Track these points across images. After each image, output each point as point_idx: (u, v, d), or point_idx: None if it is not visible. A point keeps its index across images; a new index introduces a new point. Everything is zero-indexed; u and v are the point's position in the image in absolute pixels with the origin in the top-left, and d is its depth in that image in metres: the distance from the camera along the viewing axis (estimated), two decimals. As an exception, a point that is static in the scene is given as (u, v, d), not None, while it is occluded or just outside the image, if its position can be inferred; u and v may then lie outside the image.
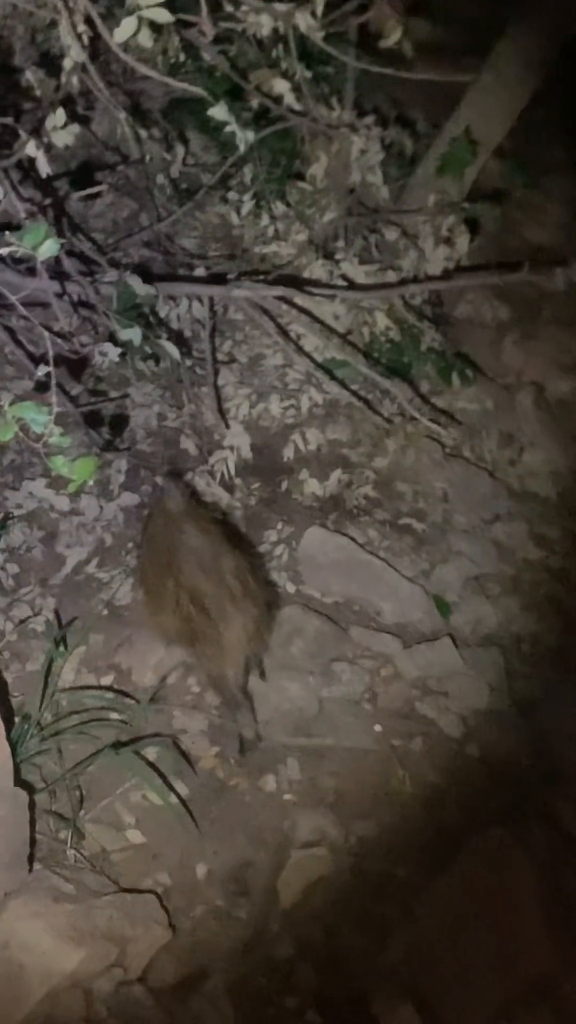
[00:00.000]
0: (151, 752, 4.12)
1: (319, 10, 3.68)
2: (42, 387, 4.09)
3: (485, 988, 3.46)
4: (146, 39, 3.20)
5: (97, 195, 5.60)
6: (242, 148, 3.92)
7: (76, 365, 4.89)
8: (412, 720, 4.47)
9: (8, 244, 2.69)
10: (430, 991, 3.51)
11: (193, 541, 4.28)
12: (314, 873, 3.88)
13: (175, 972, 3.58)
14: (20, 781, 3.67)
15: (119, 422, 5.14)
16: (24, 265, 4.22)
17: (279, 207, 5.84)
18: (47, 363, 2.78)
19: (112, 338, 4.13)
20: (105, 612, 4.62)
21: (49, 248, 2.60)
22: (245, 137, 3.87)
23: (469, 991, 3.47)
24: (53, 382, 2.65)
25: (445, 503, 5.23)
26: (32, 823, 3.65)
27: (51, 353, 2.70)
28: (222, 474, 5.02)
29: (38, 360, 4.57)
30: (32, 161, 3.81)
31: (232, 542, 4.43)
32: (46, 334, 2.78)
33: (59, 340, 4.17)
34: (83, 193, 4.57)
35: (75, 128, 4.13)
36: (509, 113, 5.75)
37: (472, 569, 4.99)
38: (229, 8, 4.19)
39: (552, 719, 4.46)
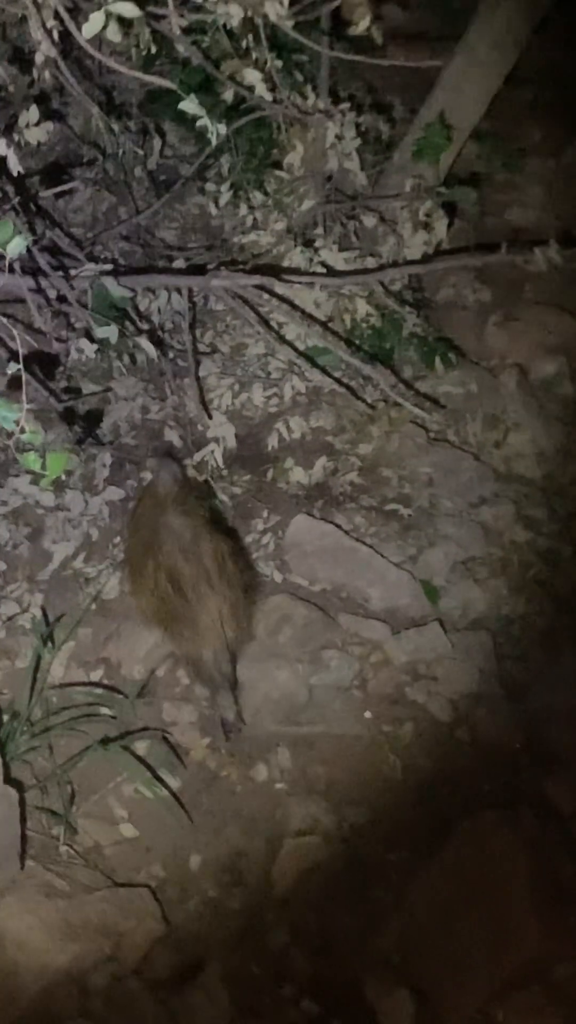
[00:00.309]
0: (141, 746, 4.14)
1: (287, -1, 3.67)
2: (16, 384, 4.11)
3: (478, 972, 3.46)
4: (114, 34, 3.17)
5: (75, 190, 5.59)
6: (214, 141, 3.90)
7: (55, 361, 4.89)
8: (402, 705, 4.45)
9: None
10: (424, 976, 3.52)
11: (175, 522, 4.31)
12: (307, 861, 3.88)
13: (170, 964, 3.59)
14: (10, 779, 3.70)
15: (101, 416, 5.14)
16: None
17: (257, 196, 5.83)
18: (25, 357, 2.78)
19: (89, 333, 4.13)
20: (93, 607, 4.62)
21: (17, 245, 2.61)
22: (217, 130, 3.85)
23: (463, 975, 3.47)
24: (24, 379, 2.65)
25: (431, 487, 5.22)
26: (23, 820, 3.66)
27: (21, 350, 2.70)
28: (211, 466, 5.02)
29: (14, 356, 4.58)
30: (4, 160, 3.81)
31: (215, 526, 4.47)
32: (16, 331, 2.77)
33: (35, 337, 4.17)
34: (55, 190, 4.56)
35: (48, 125, 4.14)
36: (483, 96, 5.74)
37: (459, 553, 4.98)
38: (199, -1, 4.19)
39: (543, 701, 4.45)
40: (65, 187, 4.59)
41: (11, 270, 3.06)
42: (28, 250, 2.77)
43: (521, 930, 3.49)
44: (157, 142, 6.01)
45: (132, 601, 4.58)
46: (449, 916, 3.59)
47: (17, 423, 2.52)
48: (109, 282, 4.17)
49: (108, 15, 3.08)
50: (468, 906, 3.58)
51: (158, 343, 4.33)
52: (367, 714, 4.44)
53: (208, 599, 4.24)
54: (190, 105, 3.80)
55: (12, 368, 2.68)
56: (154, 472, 4.62)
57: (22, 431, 2.55)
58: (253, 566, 4.84)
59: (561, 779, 4.13)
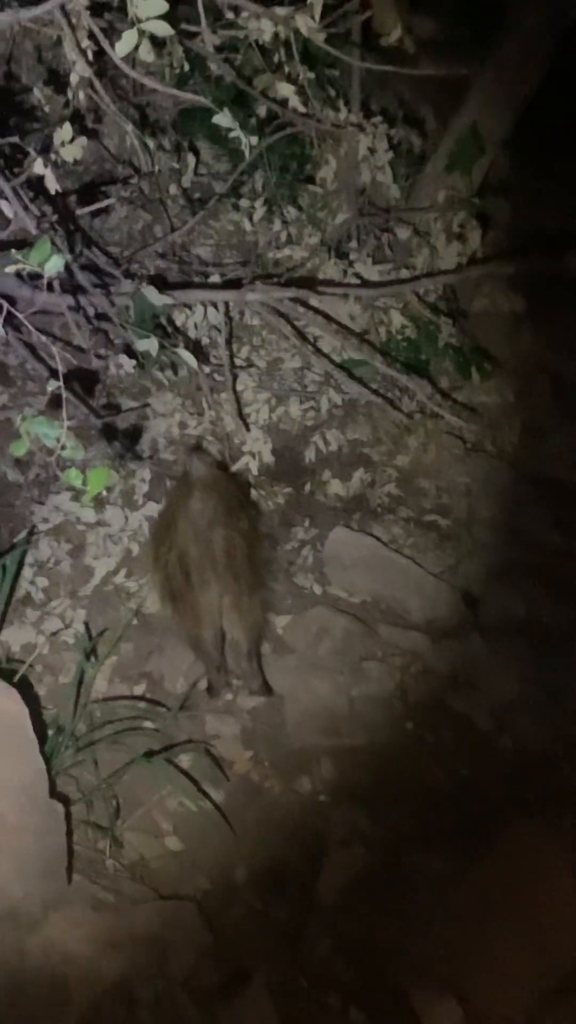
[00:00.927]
0: (185, 759, 4.15)
1: (318, 12, 3.70)
2: (57, 402, 4.15)
3: (524, 979, 3.46)
4: (148, 53, 3.22)
5: (111, 209, 5.63)
6: (248, 153, 3.94)
7: (94, 377, 4.93)
8: (443, 715, 4.47)
9: (10, 263, 2.73)
10: (469, 983, 3.51)
11: (195, 506, 4.34)
12: (351, 870, 3.88)
13: (216, 975, 3.59)
14: (56, 793, 3.71)
15: (139, 431, 5.17)
16: (40, 280, 4.28)
17: (291, 211, 5.87)
18: (65, 374, 2.81)
19: (128, 349, 4.17)
20: (135, 621, 4.65)
21: (55, 264, 2.64)
22: (249, 142, 3.89)
23: (508, 982, 3.47)
24: (63, 396, 2.68)
25: (468, 497, 5.24)
26: (69, 834, 3.67)
27: (60, 367, 2.73)
28: (248, 478, 5.07)
29: (55, 374, 4.62)
30: (42, 179, 3.85)
31: (233, 517, 4.45)
32: (55, 349, 2.81)
33: (75, 354, 4.21)
34: (94, 207, 4.61)
35: (83, 142, 4.16)
36: (515, 105, 5.76)
37: (498, 561, 5.00)
38: (230, 16, 4.23)
39: (584, 707, 4.46)
40: (102, 204, 4.63)
41: (50, 288, 3.11)
42: (67, 268, 2.80)
43: (565, 936, 3.48)
44: (191, 159, 6.05)
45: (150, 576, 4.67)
46: (493, 923, 3.59)
47: (58, 440, 2.55)
48: (150, 291, 4.20)
49: (141, 34, 3.11)
50: (512, 913, 3.58)
51: (195, 358, 4.35)
52: (408, 724, 4.45)
53: (210, 586, 4.30)
54: (223, 119, 3.84)
55: (52, 385, 2.71)
56: (188, 463, 4.66)
57: (63, 448, 2.58)
58: (266, 562, 4.84)
59: (605, 785, 4.13)
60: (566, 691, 4.53)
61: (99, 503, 4.90)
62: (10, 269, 2.65)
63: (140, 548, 4.86)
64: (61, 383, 2.66)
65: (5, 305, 2.77)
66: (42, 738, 3.70)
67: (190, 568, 4.29)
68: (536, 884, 3.62)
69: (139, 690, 4.48)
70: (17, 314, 2.85)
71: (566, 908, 3.54)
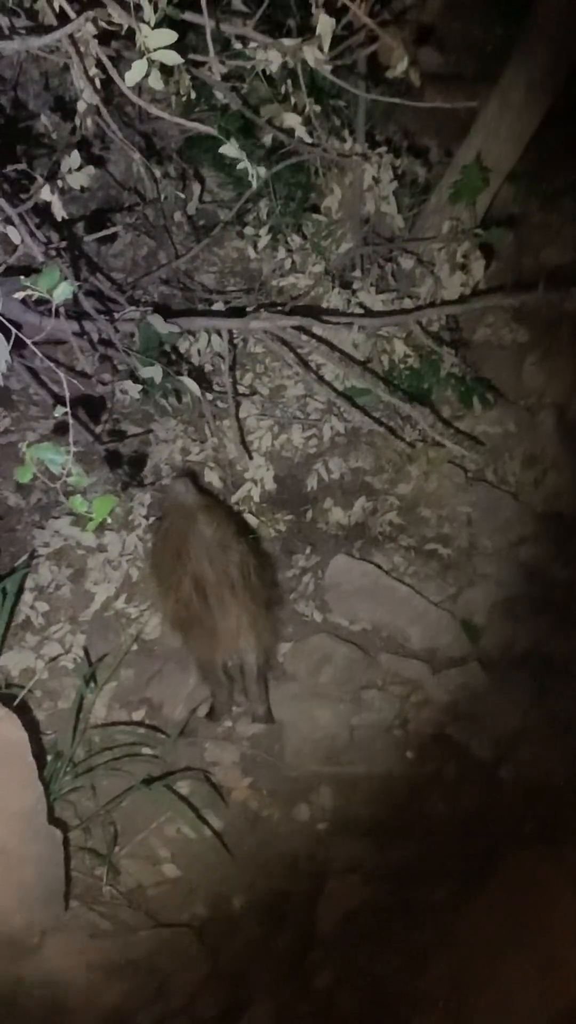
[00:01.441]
0: (184, 786, 4.15)
1: (326, 44, 3.71)
2: (62, 428, 4.15)
3: (526, 1012, 3.42)
4: (156, 81, 3.23)
5: (115, 235, 5.66)
6: (255, 183, 3.96)
7: (98, 403, 4.94)
8: (444, 745, 4.45)
9: (19, 290, 2.73)
10: (472, 1015, 3.47)
11: (205, 530, 4.40)
12: (351, 900, 3.85)
13: (216, 1004, 3.56)
14: (54, 819, 3.70)
15: (143, 457, 5.18)
16: (45, 306, 4.29)
17: (295, 240, 5.90)
18: (72, 400, 2.81)
19: (132, 376, 4.18)
20: (135, 647, 4.64)
21: (63, 291, 2.65)
22: (257, 172, 3.91)
23: (511, 1014, 3.43)
24: (71, 423, 2.68)
25: (470, 527, 5.24)
26: (67, 860, 3.67)
27: (67, 394, 2.73)
28: (250, 505, 5.08)
29: (61, 400, 4.63)
30: (49, 205, 3.87)
31: (243, 539, 4.52)
32: (62, 375, 2.82)
33: (80, 379, 4.22)
34: (101, 234, 4.63)
35: (90, 170, 4.19)
36: (519, 138, 5.78)
37: (499, 592, 4.99)
38: (238, 46, 4.25)
39: (585, 739, 4.45)
40: (108, 231, 4.66)
41: (56, 314, 3.11)
42: (73, 295, 2.81)
43: (568, 967, 3.45)
44: (196, 187, 6.08)
45: (159, 606, 4.69)
46: (495, 955, 3.56)
47: (64, 467, 2.55)
48: (156, 320, 4.22)
49: (150, 63, 3.12)
50: (515, 944, 3.54)
51: (199, 385, 4.37)
52: (408, 754, 4.44)
53: (229, 607, 4.31)
54: (230, 149, 3.86)
55: (59, 412, 2.71)
56: (173, 490, 4.67)
57: (69, 474, 2.58)
58: (277, 583, 4.90)
59: (607, 817, 4.11)
60: (568, 723, 4.50)
61: (99, 528, 4.90)
62: (18, 295, 2.65)
63: (140, 574, 4.85)
64: (68, 409, 2.66)
65: (13, 331, 2.77)
66: (41, 764, 3.69)
67: (207, 592, 4.30)
68: (538, 915, 3.58)
69: (138, 716, 4.48)
70: (26, 340, 2.85)
71: (569, 939, 3.50)
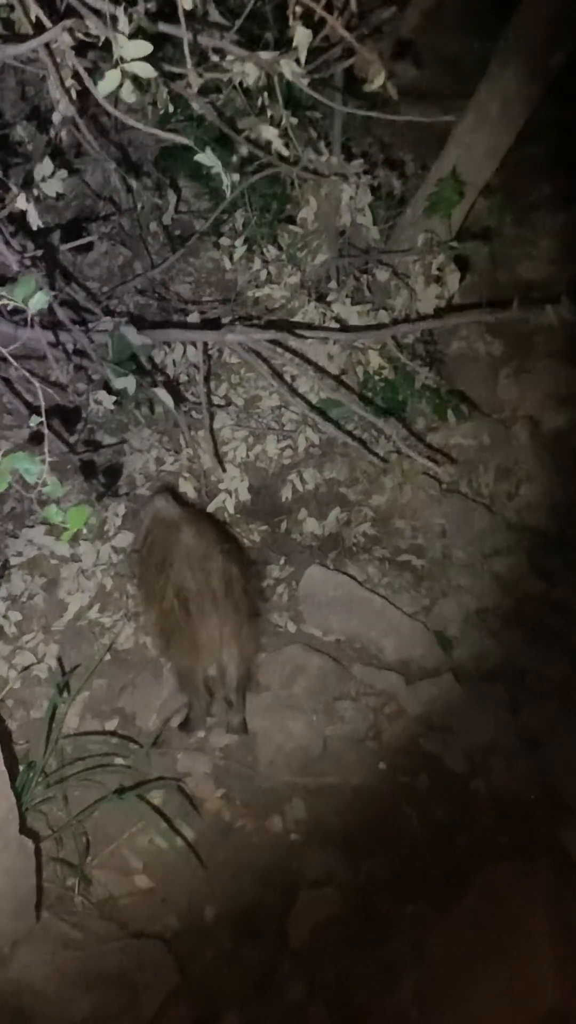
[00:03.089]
0: (156, 796, 4.13)
1: (303, 57, 3.72)
2: (37, 437, 4.14)
3: (498, 1024, 3.44)
4: (128, 94, 3.22)
5: (91, 245, 5.65)
6: (229, 192, 3.97)
7: (73, 413, 4.94)
8: (417, 757, 4.45)
9: (0, 297, 2.73)
10: (443, 1029, 3.49)
11: (188, 540, 4.43)
12: (323, 913, 3.85)
13: (186, 1016, 3.56)
14: (26, 829, 3.68)
15: (118, 467, 5.17)
16: (20, 316, 4.28)
17: (271, 251, 5.92)
18: (47, 410, 2.81)
19: (107, 385, 4.17)
20: (107, 657, 4.63)
21: (39, 300, 2.64)
22: (231, 180, 3.91)
23: (481, 1029, 3.45)
24: (46, 432, 2.68)
25: (444, 538, 5.26)
26: (39, 871, 3.65)
27: (43, 404, 2.73)
28: (224, 516, 5.08)
29: (35, 409, 4.62)
30: (24, 214, 3.86)
31: (227, 549, 4.53)
32: (38, 385, 2.81)
33: (54, 389, 4.21)
34: (76, 243, 4.62)
35: (63, 175, 4.19)
36: (495, 152, 5.82)
37: (473, 603, 5.00)
38: (215, 58, 4.25)
39: (558, 752, 4.45)
40: (84, 241, 4.66)
41: (30, 324, 3.11)
42: (48, 304, 2.80)
43: (540, 982, 3.45)
44: (172, 197, 6.09)
45: (142, 616, 4.70)
46: (467, 969, 3.56)
47: (39, 476, 2.54)
48: (129, 331, 4.22)
49: (124, 74, 3.12)
50: (486, 959, 3.55)
51: (174, 395, 4.37)
52: (382, 765, 4.43)
53: (210, 617, 4.31)
54: (206, 158, 3.86)
55: (34, 422, 2.71)
56: (154, 503, 4.68)
57: (44, 484, 2.58)
58: (261, 594, 4.89)
59: (578, 830, 4.12)
60: (541, 736, 4.52)
61: (73, 537, 4.88)
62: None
63: (114, 584, 4.84)
64: (44, 419, 2.65)
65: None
66: (13, 773, 3.68)
67: (188, 600, 4.30)
68: (510, 930, 3.59)
69: (111, 726, 4.46)
70: (2, 350, 2.84)
71: (540, 954, 3.50)
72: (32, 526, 4.92)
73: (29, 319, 2.87)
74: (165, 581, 4.38)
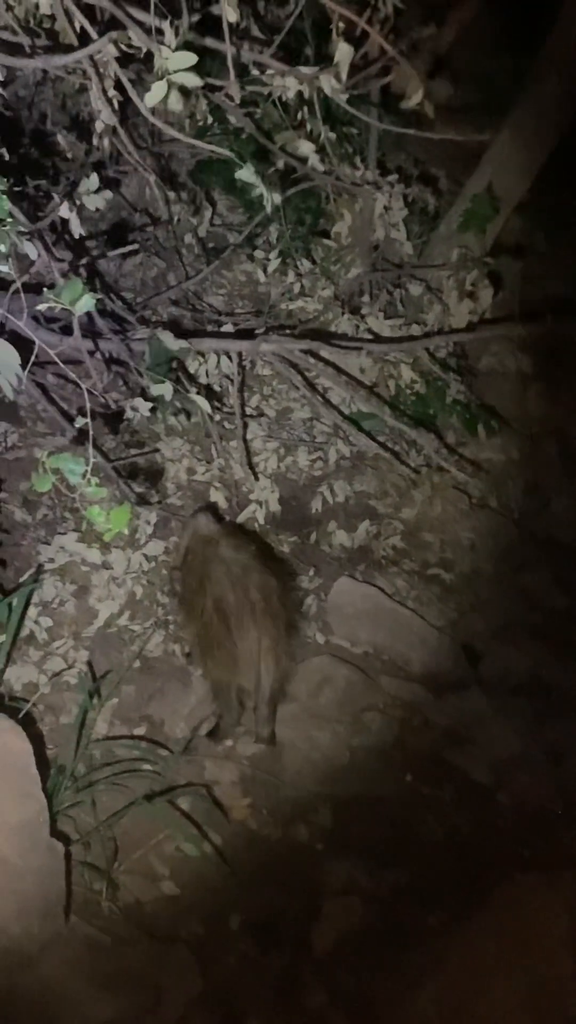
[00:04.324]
0: (184, 803, 4.15)
1: (343, 73, 3.76)
2: (77, 441, 4.18)
3: (519, 1035, 3.44)
4: (175, 103, 3.27)
5: (127, 255, 5.70)
6: (269, 208, 4.02)
7: (108, 420, 4.97)
8: (442, 769, 4.47)
9: (44, 302, 2.77)
10: (463, 1040, 3.49)
11: (226, 554, 4.46)
12: (347, 922, 3.86)
13: (210, 1021, 3.57)
14: (56, 832, 3.71)
15: (150, 476, 5.20)
16: (57, 324, 4.33)
17: (305, 264, 5.96)
18: (84, 415, 2.85)
19: (143, 393, 4.21)
20: (137, 664, 4.65)
21: (86, 303, 2.69)
22: (272, 198, 3.96)
23: (503, 1039, 3.45)
24: (90, 433, 2.72)
25: (472, 552, 5.28)
26: (68, 874, 3.67)
27: (88, 405, 2.77)
28: (254, 526, 5.11)
29: (70, 417, 4.66)
30: (64, 222, 3.91)
31: (265, 563, 4.55)
32: (84, 388, 2.85)
33: (91, 397, 4.25)
34: (118, 252, 4.67)
35: (107, 194, 4.24)
36: (529, 169, 5.86)
37: (500, 617, 5.02)
38: (255, 72, 4.30)
39: (583, 766, 4.47)
40: (128, 249, 4.70)
41: (70, 331, 3.15)
42: (86, 312, 2.84)
43: (562, 992, 3.46)
44: (207, 210, 6.13)
45: (182, 632, 4.72)
46: (489, 979, 3.57)
47: (84, 475, 2.58)
48: (167, 336, 4.26)
49: (170, 85, 3.17)
50: (508, 969, 3.56)
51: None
52: (407, 776, 4.45)
53: (249, 630, 4.33)
54: (246, 174, 3.92)
55: (80, 422, 2.75)
56: (195, 520, 4.71)
57: (88, 484, 2.61)
58: (299, 605, 4.92)
59: (602, 843, 4.13)
60: (566, 750, 4.53)
61: (104, 545, 4.91)
62: (42, 307, 2.69)
63: (144, 592, 4.87)
64: (89, 420, 2.70)
65: (38, 344, 2.80)
66: (43, 777, 3.70)
67: (228, 614, 4.33)
68: (533, 940, 3.60)
69: (139, 732, 4.48)
70: (51, 352, 2.88)
71: (561, 965, 3.52)
72: (64, 533, 4.95)
73: (76, 324, 2.91)
74: (204, 596, 4.40)
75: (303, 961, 3.79)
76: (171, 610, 4.81)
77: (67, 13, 3.71)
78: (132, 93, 3.62)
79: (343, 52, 3.63)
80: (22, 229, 3.12)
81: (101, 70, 3.92)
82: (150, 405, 4.17)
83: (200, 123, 4.34)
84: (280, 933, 3.89)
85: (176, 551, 4.84)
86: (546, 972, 3.55)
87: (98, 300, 4.86)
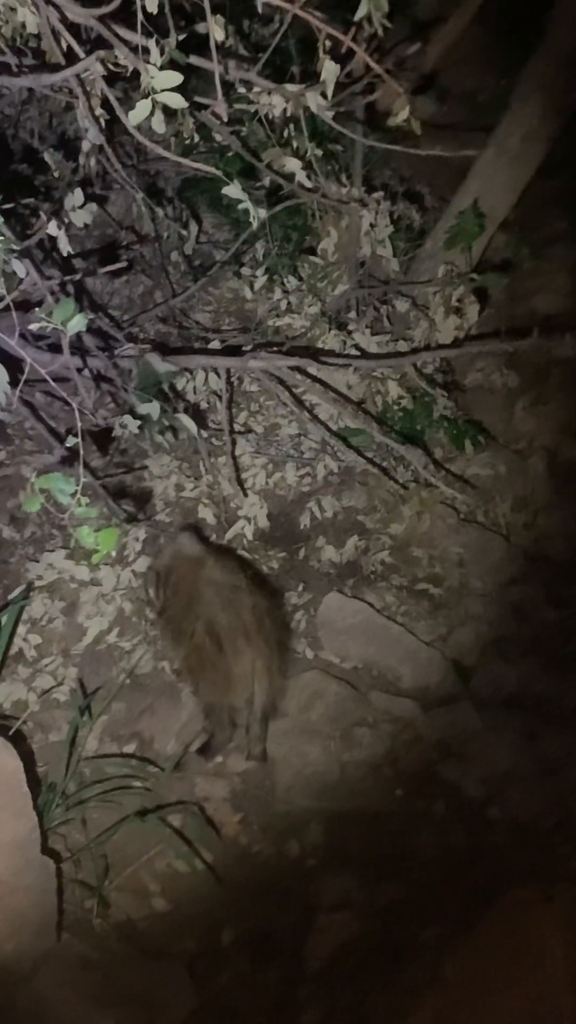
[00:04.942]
0: (175, 819, 4.15)
1: (330, 91, 3.78)
2: (66, 460, 4.18)
3: (515, 1051, 3.43)
4: (159, 123, 3.29)
5: (114, 273, 5.71)
6: (255, 225, 4.02)
7: (96, 438, 4.98)
8: (434, 783, 4.46)
9: (34, 321, 2.77)
10: (458, 1055, 3.48)
11: (215, 575, 4.48)
12: (340, 937, 3.85)
13: (204, 1038, 3.58)
14: (47, 849, 3.70)
15: (138, 493, 5.21)
16: (44, 342, 4.34)
17: (291, 281, 5.98)
18: (75, 435, 2.85)
19: (131, 411, 4.22)
20: (127, 681, 4.65)
21: (78, 323, 2.69)
22: (258, 214, 3.97)
23: (499, 1054, 3.44)
24: (81, 453, 2.72)
25: (461, 567, 5.28)
26: (60, 891, 3.67)
27: (79, 424, 2.77)
28: (243, 542, 5.12)
29: (58, 435, 4.66)
30: (53, 240, 3.92)
31: (254, 582, 4.58)
32: (75, 406, 2.85)
33: (79, 414, 4.25)
34: (107, 269, 4.68)
35: (93, 208, 4.25)
36: (514, 186, 5.89)
37: (490, 632, 5.03)
38: (241, 90, 4.32)
39: (575, 779, 4.46)
40: (115, 267, 4.71)
41: (59, 349, 3.15)
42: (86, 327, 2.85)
43: (558, 1005, 3.45)
44: (194, 227, 6.15)
45: (169, 655, 4.72)
46: (484, 994, 3.55)
47: (73, 495, 2.58)
48: (154, 358, 4.27)
49: (155, 104, 3.18)
50: (503, 983, 3.54)
51: (195, 422, 4.41)
52: (399, 791, 4.44)
53: (243, 652, 4.36)
54: (233, 190, 3.92)
55: (70, 441, 2.75)
56: (177, 542, 4.70)
57: (78, 504, 2.61)
58: (288, 624, 4.93)
59: (595, 858, 4.12)
60: (558, 764, 4.52)
61: (92, 562, 4.91)
62: (34, 326, 2.69)
63: (133, 608, 4.87)
64: (80, 439, 2.70)
65: (29, 362, 2.81)
66: (34, 794, 3.70)
67: (220, 636, 4.34)
68: (529, 955, 3.59)
69: (129, 749, 4.49)
70: (42, 371, 2.89)
71: (558, 979, 3.51)
72: (52, 550, 4.95)
73: (66, 343, 2.92)
74: (194, 618, 4.41)
75: (296, 977, 3.77)
76: (156, 630, 4.80)
77: (54, 32, 3.73)
78: (119, 111, 3.63)
79: (329, 70, 3.64)
80: (12, 247, 3.12)
81: (88, 89, 3.94)
82: (138, 423, 4.17)
83: (187, 141, 4.35)
84: (273, 949, 3.87)
85: (154, 571, 4.82)
86: (542, 986, 3.54)
87: (89, 318, 4.91)
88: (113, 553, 4.78)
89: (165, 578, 4.71)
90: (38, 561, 4.93)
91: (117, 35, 3.46)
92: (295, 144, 4.68)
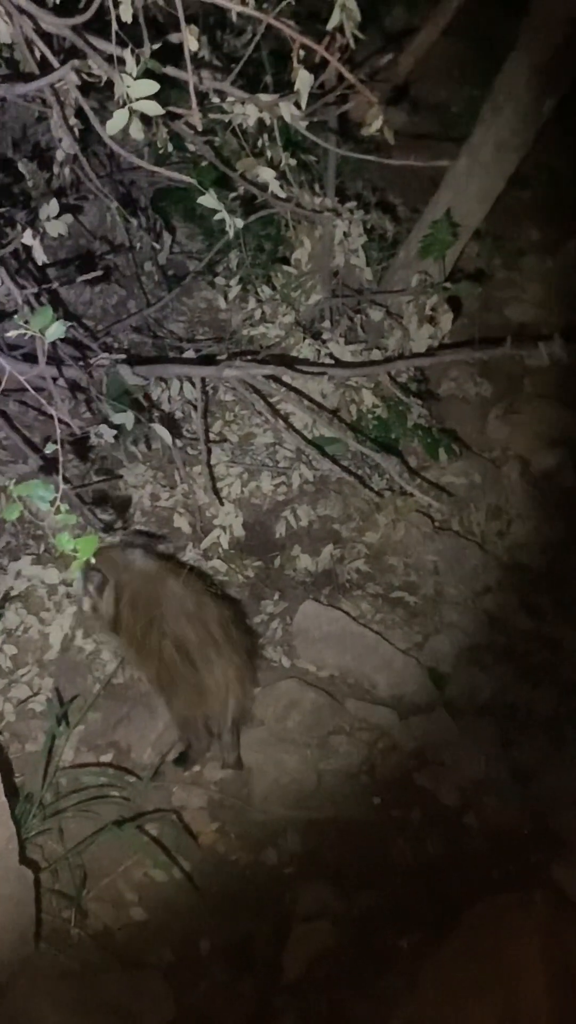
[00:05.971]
0: (152, 828, 4.14)
1: (304, 101, 3.79)
2: (43, 469, 4.18)
3: (492, 1057, 3.43)
4: (137, 131, 3.29)
5: (88, 282, 5.71)
6: (231, 234, 4.03)
7: (73, 447, 4.98)
8: (410, 791, 4.47)
9: (11, 329, 2.77)
10: (436, 1062, 3.49)
11: (177, 590, 4.45)
12: (317, 946, 3.85)
13: (182, 1048, 3.56)
14: (25, 859, 3.69)
15: (116, 502, 5.21)
16: (19, 352, 4.34)
17: (265, 291, 5.99)
18: (54, 442, 2.85)
19: (106, 421, 4.22)
20: (102, 690, 4.64)
21: (56, 330, 2.69)
22: (234, 223, 3.98)
23: (476, 1061, 3.44)
24: (60, 460, 2.72)
25: (436, 575, 5.30)
26: (38, 901, 3.66)
27: (59, 432, 2.77)
28: (218, 552, 5.12)
29: (32, 444, 4.66)
30: (27, 249, 3.92)
31: (213, 594, 4.60)
32: (55, 414, 2.86)
33: (51, 424, 4.26)
34: (83, 279, 4.68)
35: (68, 218, 4.25)
36: (487, 195, 5.92)
37: (465, 640, 5.04)
38: (216, 100, 4.33)
39: (549, 787, 4.48)
40: (90, 276, 4.70)
41: (33, 359, 3.16)
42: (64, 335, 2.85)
43: (534, 1015, 3.46)
44: (167, 237, 6.16)
45: (135, 672, 4.69)
46: (461, 1001, 3.56)
47: (52, 503, 2.58)
48: (124, 370, 4.27)
49: (132, 113, 3.19)
50: (480, 991, 3.55)
51: (170, 432, 4.41)
52: (375, 799, 4.45)
53: (214, 664, 4.35)
54: (209, 200, 3.93)
55: (49, 449, 2.75)
56: (128, 558, 4.65)
57: (57, 511, 2.61)
58: (254, 632, 4.94)
59: (570, 864, 4.13)
60: (533, 771, 4.55)
61: (65, 568, 4.88)
62: (12, 334, 2.69)
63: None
64: (59, 447, 2.70)
65: (7, 369, 2.81)
66: (11, 805, 3.69)
67: (190, 651, 4.34)
68: (504, 962, 3.59)
69: (106, 759, 4.46)
70: (21, 379, 2.89)
71: (534, 985, 3.51)
72: (18, 559, 4.92)
73: (41, 352, 2.92)
74: (160, 635, 4.39)
75: (274, 986, 3.77)
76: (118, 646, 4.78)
77: (28, 41, 3.73)
78: (94, 121, 3.64)
79: (303, 79, 3.66)
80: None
81: (62, 98, 3.94)
82: (114, 432, 4.17)
83: (160, 151, 4.35)
84: (251, 958, 3.87)
85: (103, 577, 4.63)
86: (519, 992, 3.55)
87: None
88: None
89: (119, 594, 4.63)
90: (6, 572, 4.90)
91: (91, 44, 3.47)
92: (269, 154, 4.71)
